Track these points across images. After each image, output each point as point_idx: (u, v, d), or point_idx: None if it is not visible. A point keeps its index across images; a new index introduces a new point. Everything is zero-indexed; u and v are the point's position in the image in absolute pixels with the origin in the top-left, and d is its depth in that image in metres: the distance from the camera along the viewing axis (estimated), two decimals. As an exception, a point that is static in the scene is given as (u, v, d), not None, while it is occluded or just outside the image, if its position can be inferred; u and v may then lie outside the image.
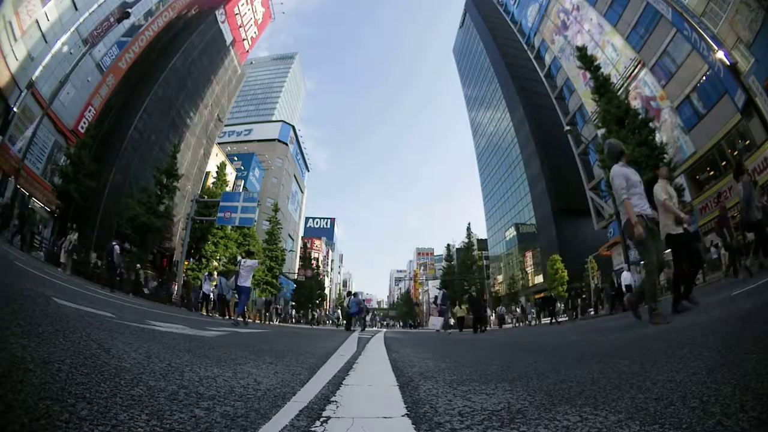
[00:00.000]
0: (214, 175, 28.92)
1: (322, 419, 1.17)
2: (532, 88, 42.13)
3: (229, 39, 34.27)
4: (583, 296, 23.62)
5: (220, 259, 26.01)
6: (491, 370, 2.38)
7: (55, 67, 17.21)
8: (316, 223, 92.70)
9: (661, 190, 4.67)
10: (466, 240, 48.67)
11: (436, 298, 16.73)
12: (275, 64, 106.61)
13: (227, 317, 12.13)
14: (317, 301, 47.39)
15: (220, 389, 1.49)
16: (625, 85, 21.99)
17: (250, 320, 14.70)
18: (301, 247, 59.88)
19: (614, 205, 15.52)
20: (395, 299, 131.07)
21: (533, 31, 35.31)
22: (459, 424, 1.13)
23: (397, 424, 1.16)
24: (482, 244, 59.03)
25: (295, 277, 44.40)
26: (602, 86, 16.01)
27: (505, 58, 49.67)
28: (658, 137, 16.27)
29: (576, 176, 30.25)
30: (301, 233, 69.74)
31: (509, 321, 26.47)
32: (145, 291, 16.24)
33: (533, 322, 22.40)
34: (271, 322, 22.14)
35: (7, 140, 15.23)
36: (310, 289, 43.28)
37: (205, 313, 14.30)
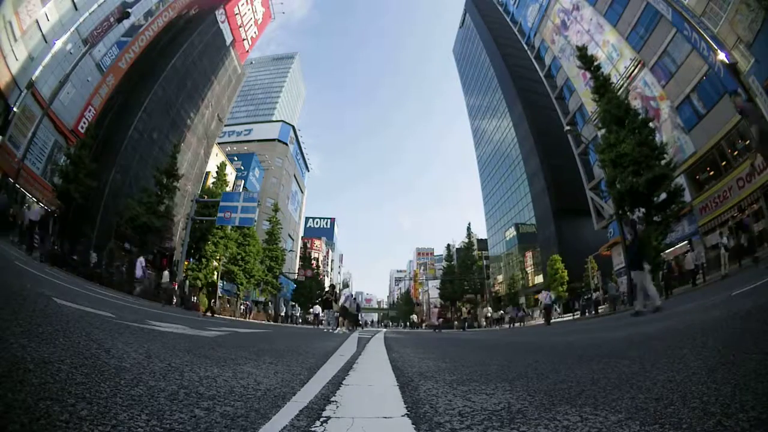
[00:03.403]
0: (214, 175, 28.91)
1: (322, 419, 1.17)
2: (532, 88, 42.12)
3: (229, 39, 34.26)
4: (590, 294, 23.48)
5: (220, 259, 26.00)
6: (491, 370, 2.38)
7: (55, 67, 17.20)
8: (316, 223, 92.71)
9: None
10: (466, 240, 48.66)
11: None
12: (275, 65, 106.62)
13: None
14: (317, 301, 47.37)
15: (220, 389, 1.49)
16: (625, 85, 21.97)
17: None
18: (301, 247, 59.86)
19: (614, 206, 15.52)
20: (395, 299, 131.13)
21: (533, 31, 35.29)
22: (459, 424, 1.13)
23: (397, 424, 1.16)
24: (482, 244, 59.00)
25: (295, 277, 44.40)
26: (602, 86, 15.98)
27: (505, 58, 49.69)
28: (658, 137, 16.26)
29: (576, 176, 30.23)
30: (301, 233, 69.71)
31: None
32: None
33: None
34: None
35: (7, 140, 15.22)
36: (310, 289, 43.31)
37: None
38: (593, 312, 19.09)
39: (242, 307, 29.76)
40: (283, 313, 36.75)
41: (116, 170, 21.01)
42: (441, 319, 29.62)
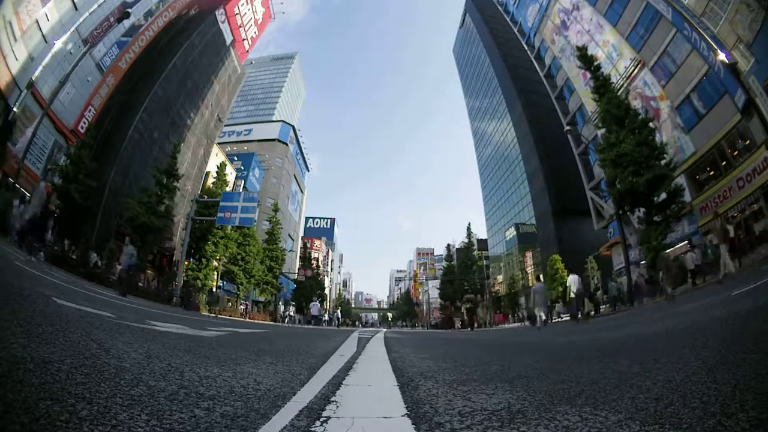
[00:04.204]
0: (214, 175, 28.91)
1: (322, 419, 1.17)
2: (532, 88, 42.10)
3: (229, 39, 34.25)
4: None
5: (220, 259, 25.99)
6: (491, 370, 2.38)
7: (55, 67, 17.19)
8: (316, 223, 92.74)
9: None
10: (466, 240, 48.65)
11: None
12: (275, 64, 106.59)
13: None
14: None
15: (220, 389, 1.49)
16: (625, 85, 21.97)
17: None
18: (301, 247, 59.86)
19: (614, 206, 15.52)
20: (395, 299, 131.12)
21: (533, 31, 35.29)
22: (459, 424, 1.13)
23: (397, 424, 1.16)
24: (482, 244, 58.99)
25: (295, 277, 44.39)
26: (602, 86, 15.98)
27: (505, 58, 49.68)
28: (658, 137, 16.26)
29: (576, 176, 30.23)
30: (301, 233, 69.73)
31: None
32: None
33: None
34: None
35: (7, 140, 15.22)
36: (310, 289, 43.30)
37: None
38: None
39: (242, 307, 29.72)
40: (283, 312, 36.71)
41: (116, 170, 21.00)
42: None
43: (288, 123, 62.86)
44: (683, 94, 18.27)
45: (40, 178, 12.61)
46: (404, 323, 71.05)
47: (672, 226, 13.55)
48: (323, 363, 2.65)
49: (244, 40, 37.30)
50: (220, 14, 32.28)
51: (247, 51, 39.87)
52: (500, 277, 52.43)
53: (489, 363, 2.80)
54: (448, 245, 53.22)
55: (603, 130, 15.83)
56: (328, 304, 67.55)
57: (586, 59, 17.15)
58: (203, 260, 24.42)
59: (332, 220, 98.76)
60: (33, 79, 15.82)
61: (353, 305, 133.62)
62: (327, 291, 67.63)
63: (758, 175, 14.22)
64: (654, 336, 3.37)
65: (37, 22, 16.57)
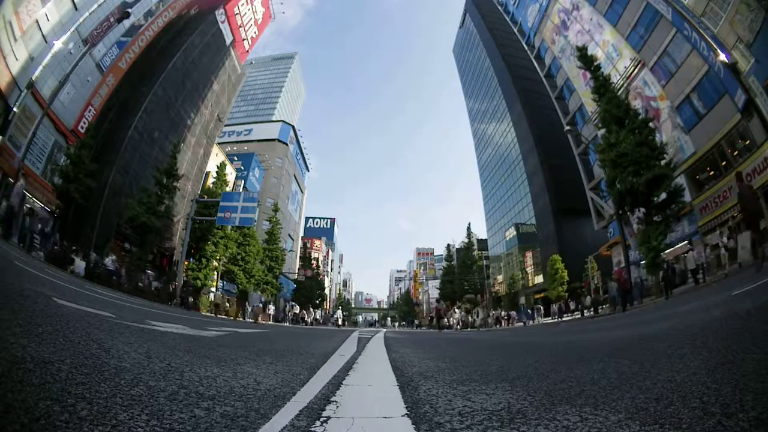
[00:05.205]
0: (214, 175, 28.89)
1: (322, 419, 1.17)
2: (532, 88, 42.10)
3: (229, 39, 34.25)
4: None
5: (220, 259, 25.98)
6: (491, 370, 2.38)
7: (55, 67, 17.18)
8: (316, 223, 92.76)
9: None
10: (466, 240, 48.67)
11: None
12: (275, 64, 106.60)
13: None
14: (317, 301, 47.43)
15: (220, 389, 1.49)
16: (625, 85, 21.97)
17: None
18: (301, 247, 59.86)
19: (614, 206, 15.52)
20: (395, 299, 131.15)
21: (533, 31, 35.30)
22: (459, 424, 1.13)
23: (397, 424, 1.16)
24: (482, 244, 58.99)
25: (295, 277, 44.36)
26: (602, 86, 15.98)
27: (505, 58, 49.68)
28: (658, 137, 16.26)
29: (576, 176, 30.23)
30: (301, 233, 69.68)
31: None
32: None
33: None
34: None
35: (7, 140, 15.21)
36: (310, 289, 43.28)
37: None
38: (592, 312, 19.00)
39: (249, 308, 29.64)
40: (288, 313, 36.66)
41: (116, 170, 21.00)
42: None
43: (288, 123, 62.80)
44: (683, 94, 18.27)
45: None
46: (397, 323, 70.14)
47: (672, 226, 13.55)
48: (323, 363, 2.65)
49: (244, 40, 37.29)
50: (220, 14, 32.27)
51: (247, 51, 39.86)
52: (500, 277, 52.44)
53: (489, 363, 2.80)
54: (448, 245, 53.26)
55: (603, 131, 15.83)
56: (328, 304, 67.51)
57: (586, 59, 17.15)
58: (203, 260, 24.41)
59: (332, 220, 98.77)
60: (33, 79, 15.81)
61: (353, 305, 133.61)
62: (327, 291, 67.60)
63: (758, 175, 14.22)
64: (654, 336, 3.37)
65: (37, 22, 16.56)
